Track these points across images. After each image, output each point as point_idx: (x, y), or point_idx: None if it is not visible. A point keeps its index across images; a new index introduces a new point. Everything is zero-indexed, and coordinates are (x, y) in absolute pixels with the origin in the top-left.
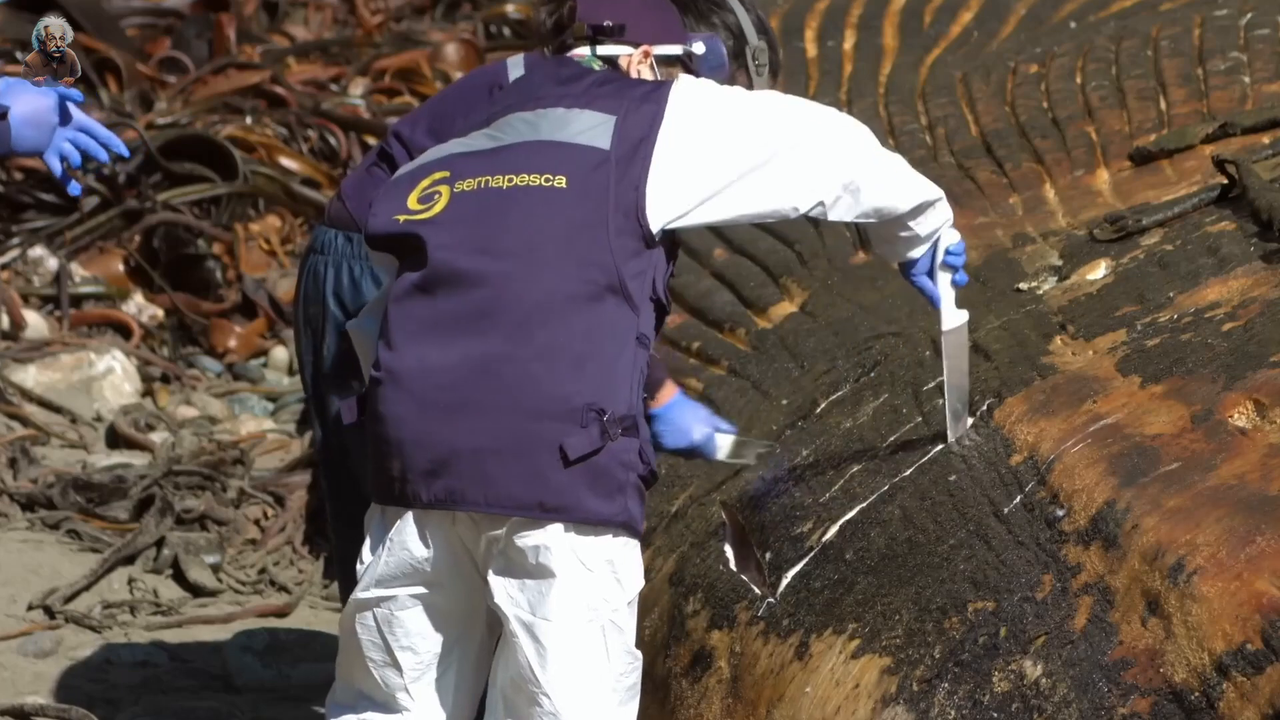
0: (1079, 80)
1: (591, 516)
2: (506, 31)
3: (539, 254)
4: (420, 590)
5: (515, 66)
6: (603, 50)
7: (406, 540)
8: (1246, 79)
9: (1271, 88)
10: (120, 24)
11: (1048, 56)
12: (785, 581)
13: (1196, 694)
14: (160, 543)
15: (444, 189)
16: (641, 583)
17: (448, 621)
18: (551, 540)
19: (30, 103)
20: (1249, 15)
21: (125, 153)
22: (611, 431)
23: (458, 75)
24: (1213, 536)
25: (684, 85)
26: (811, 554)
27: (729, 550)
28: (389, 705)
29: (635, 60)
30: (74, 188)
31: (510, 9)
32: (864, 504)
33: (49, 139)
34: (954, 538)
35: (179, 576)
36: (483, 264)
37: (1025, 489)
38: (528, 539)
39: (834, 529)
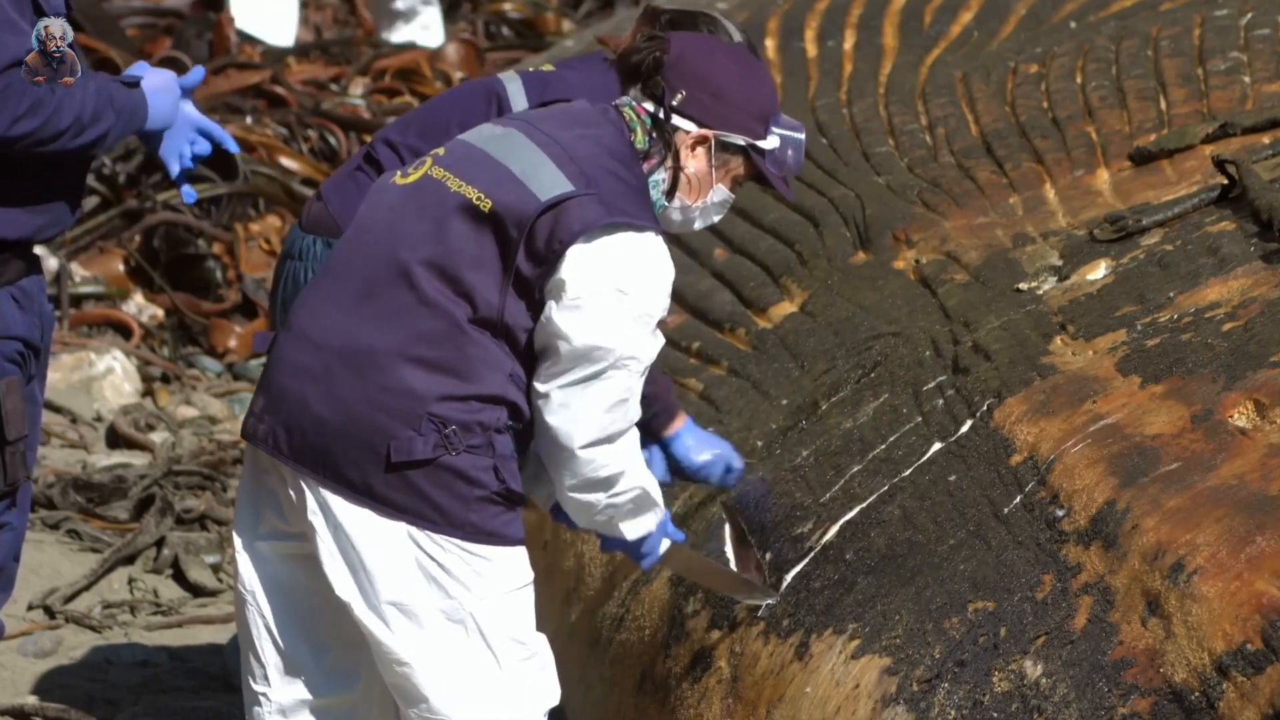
0: (1079, 80)
1: (422, 520)
2: (506, 31)
3: (437, 262)
4: (278, 543)
5: (511, 81)
6: (660, 111)
7: (266, 481)
8: (1246, 79)
9: (1271, 88)
10: (120, 24)
11: (1048, 56)
12: (785, 581)
13: (1196, 694)
14: (160, 543)
15: (428, 163)
16: (521, 579)
17: (308, 590)
18: (389, 527)
19: (156, 74)
20: (1249, 15)
21: (234, 148)
22: (453, 445)
23: (458, 75)
24: (1213, 536)
25: (591, 249)
26: (811, 554)
27: (729, 550)
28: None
29: (689, 141)
30: (188, 194)
31: (508, 8)
32: (864, 504)
33: (175, 114)
34: (954, 538)
35: (179, 576)
36: (391, 250)
37: (1025, 489)
38: (365, 521)
39: (834, 529)
